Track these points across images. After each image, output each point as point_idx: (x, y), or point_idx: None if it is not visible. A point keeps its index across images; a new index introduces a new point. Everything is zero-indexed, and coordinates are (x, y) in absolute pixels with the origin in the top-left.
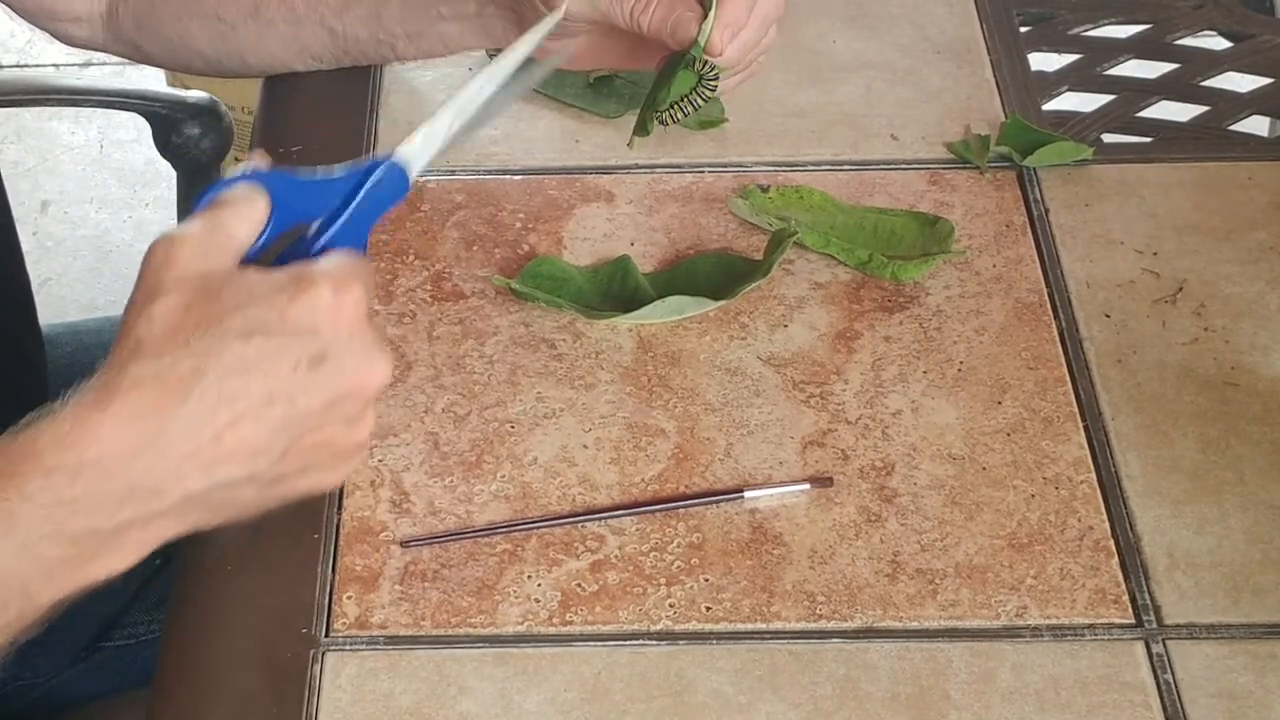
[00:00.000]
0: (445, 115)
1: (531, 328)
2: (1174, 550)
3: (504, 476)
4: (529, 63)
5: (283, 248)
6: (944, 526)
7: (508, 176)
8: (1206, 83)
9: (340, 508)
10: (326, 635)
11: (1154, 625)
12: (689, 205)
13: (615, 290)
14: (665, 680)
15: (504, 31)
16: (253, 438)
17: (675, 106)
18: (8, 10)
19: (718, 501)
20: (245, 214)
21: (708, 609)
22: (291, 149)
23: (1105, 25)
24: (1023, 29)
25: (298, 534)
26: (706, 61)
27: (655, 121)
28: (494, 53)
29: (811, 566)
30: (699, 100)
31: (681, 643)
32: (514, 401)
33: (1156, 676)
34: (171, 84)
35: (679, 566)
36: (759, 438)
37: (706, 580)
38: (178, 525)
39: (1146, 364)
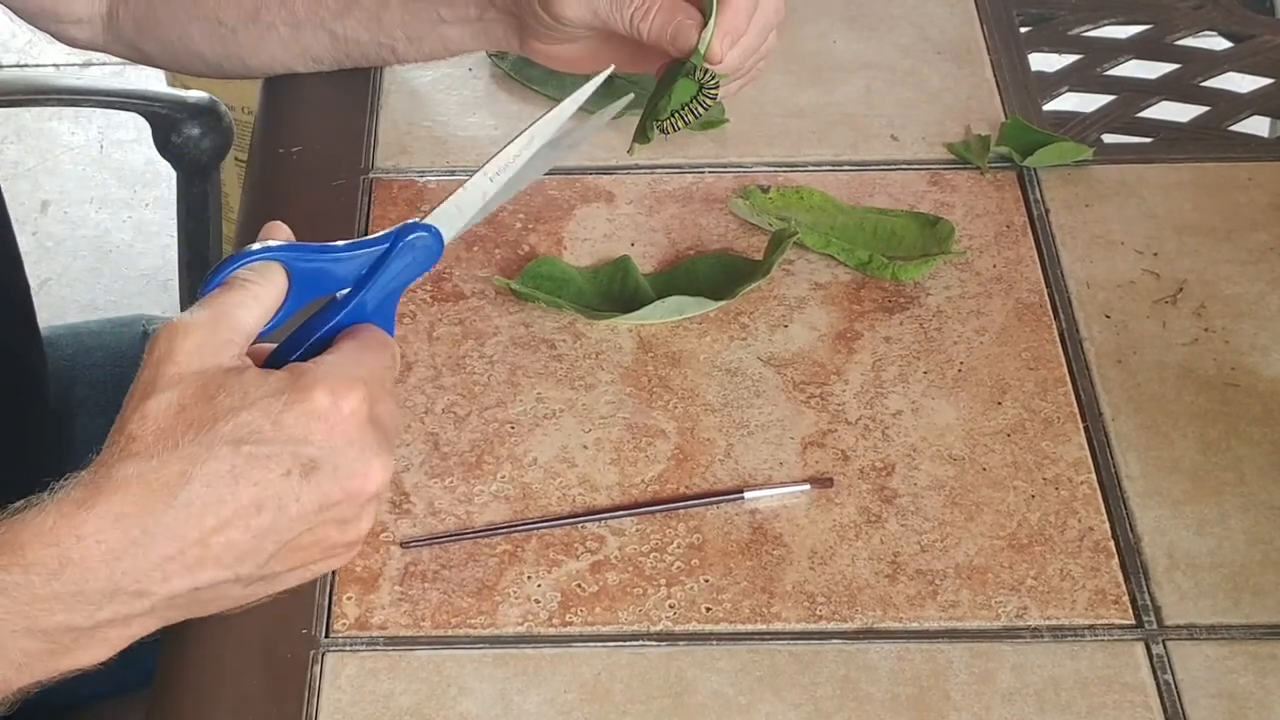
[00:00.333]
0: (479, 180)
1: (531, 328)
2: (1174, 551)
3: (504, 477)
4: (567, 126)
5: (310, 314)
6: (944, 527)
7: None
8: (1206, 83)
9: None
10: (326, 636)
11: (1154, 626)
12: (689, 206)
13: (615, 291)
14: (665, 681)
15: (504, 35)
16: (239, 543)
17: (676, 115)
18: (8, 12)
19: (718, 502)
20: (256, 296)
21: (708, 610)
22: (291, 149)
23: (1105, 25)
24: (1023, 29)
25: None
26: (707, 70)
27: (656, 130)
28: (494, 54)
29: (811, 567)
30: (699, 109)
31: (681, 643)
32: (514, 402)
33: (1156, 677)
34: (171, 84)
35: (679, 567)
36: (759, 438)
37: (706, 581)
38: (158, 622)
39: (1146, 364)
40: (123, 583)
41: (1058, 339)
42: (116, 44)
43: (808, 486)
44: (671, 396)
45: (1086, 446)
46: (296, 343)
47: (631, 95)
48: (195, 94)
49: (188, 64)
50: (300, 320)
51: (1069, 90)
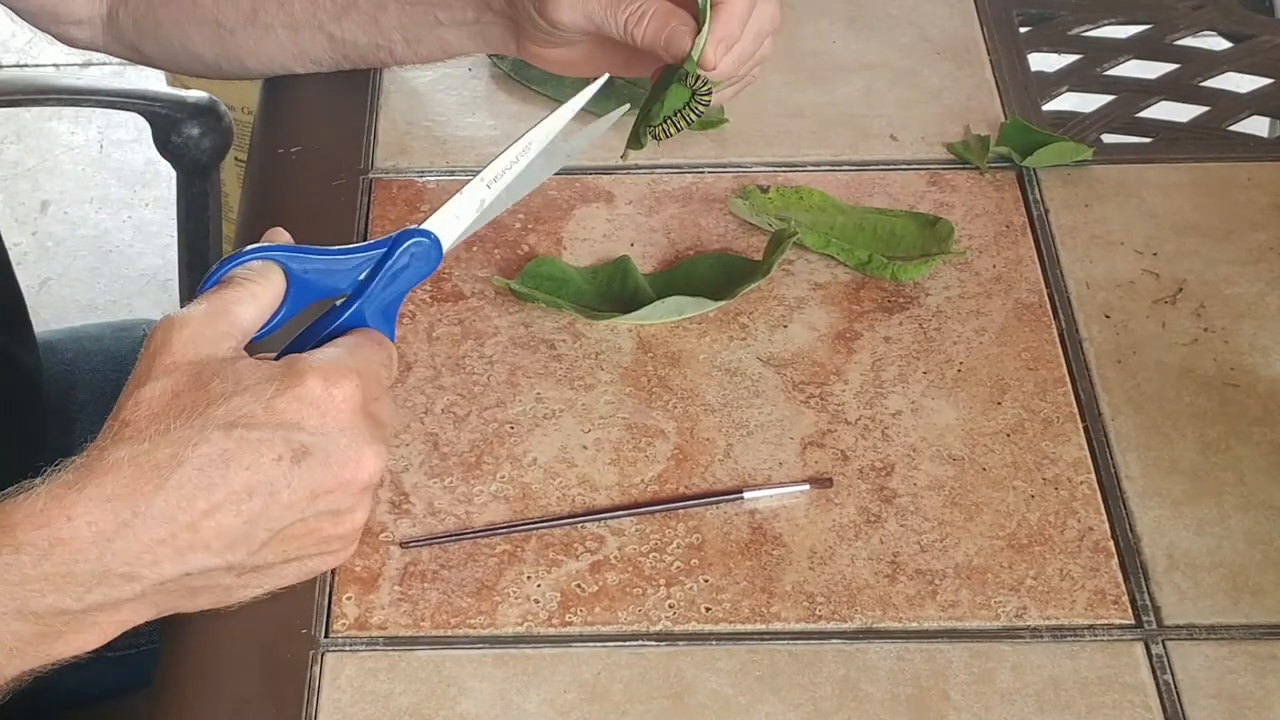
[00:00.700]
0: (476, 186)
1: (531, 328)
2: (1174, 551)
3: (503, 477)
4: (567, 132)
5: (311, 320)
6: (944, 527)
7: None
8: (1206, 83)
9: None
10: (326, 636)
11: (1154, 626)
12: (689, 206)
13: (615, 291)
14: (665, 681)
15: (501, 38)
16: (230, 528)
17: (669, 121)
18: (9, 12)
19: (717, 502)
20: (254, 294)
21: (707, 610)
22: (291, 149)
23: (1105, 25)
24: (1023, 29)
25: None
26: (700, 77)
27: (649, 136)
28: (494, 56)
29: (811, 567)
30: (692, 115)
31: (681, 643)
32: (514, 402)
33: (1156, 677)
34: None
35: (678, 567)
36: (759, 438)
37: (706, 581)
38: (151, 610)
39: (1146, 364)
40: (112, 565)
41: (1057, 339)
42: (116, 44)
43: (807, 486)
44: (671, 396)
45: (1086, 446)
46: (295, 349)
47: (628, 105)
48: (195, 94)
49: (187, 65)
50: (299, 328)
51: (1069, 90)
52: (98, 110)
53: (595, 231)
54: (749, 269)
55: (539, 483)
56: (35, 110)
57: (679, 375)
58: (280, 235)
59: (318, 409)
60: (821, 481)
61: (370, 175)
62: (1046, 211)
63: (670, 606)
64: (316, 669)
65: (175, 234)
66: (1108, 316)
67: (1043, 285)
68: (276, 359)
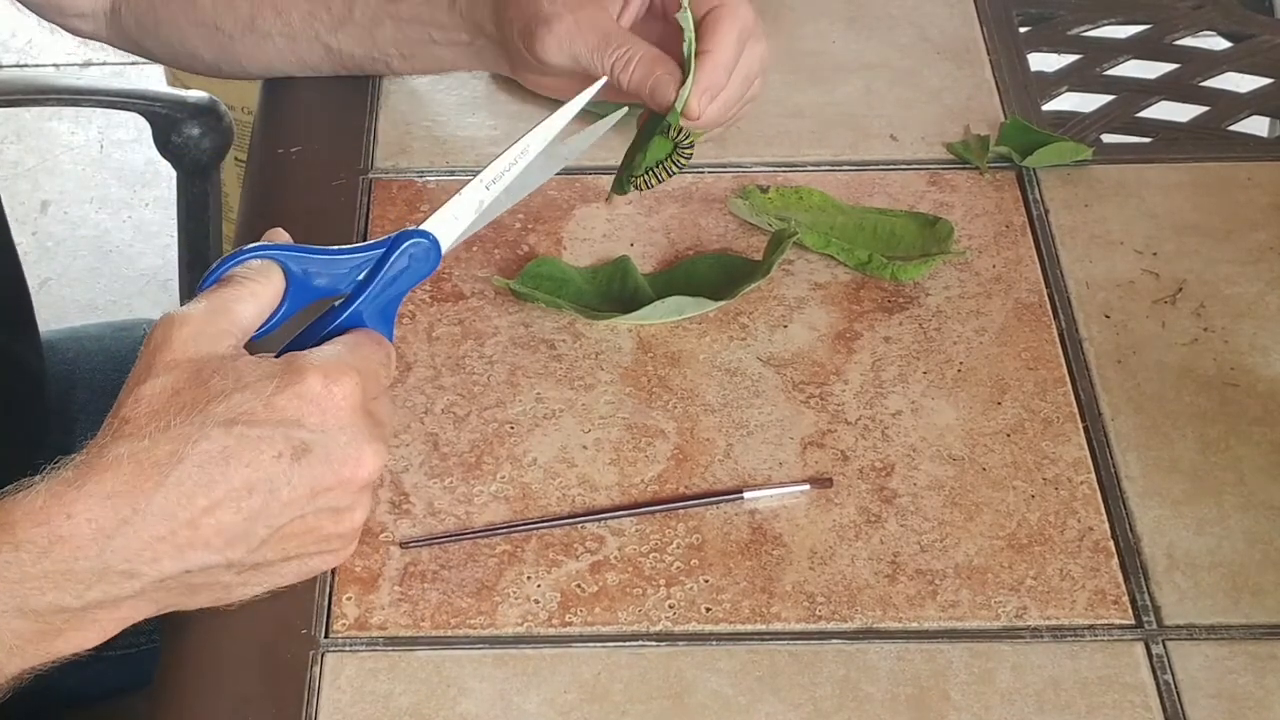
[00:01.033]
0: (474, 187)
1: (531, 328)
2: (1174, 551)
3: (503, 477)
4: (566, 133)
5: (310, 320)
6: (944, 527)
7: None
8: (1206, 83)
9: None
10: (326, 636)
11: (1154, 626)
12: (688, 206)
13: (615, 291)
14: (665, 681)
15: (495, 59)
16: (229, 525)
17: (650, 173)
18: (14, 4)
19: (717, 502)
20: (254, 293)
21: (707, 610)
22: (291, 149)
23: (1105, 25)
24: (1023, 29)
25: None
26: (682, 129)
27: (630, 185)
28: None
29: (811, 567)
30: (673, 168)
31: (681, 644)
32: (513, 402)
33: (1156, 677)
34: (172, 84)
35: (679, 567)
36: (759, 438)
37: (706, 581)
38: (151, 607)
39: (1146, 364)
40: (112, 562)
41: (1057, 339)
42: (119, 39)
43: (807, 486)
44: (671, 396)
45: (1086, 446)
46: (295, 348)
47: (628, 107)
48: (195, 94)
49: (187, 63)
50: (298, 327)
51: (1068, 90)
52: (98, 110)
53: (595, 231)
54: (749, 269)
55: (539, 483)
56: (35, 110)
57: (679, 375)
58: (280, 235)
59: (318, 406)
60: (821, 481)
61: (370, 175)
62: (1046, 211)
63: (670, 607)
64: (316, 669)
65: (175, 234)
66: (1108, 316)
67: (1043, 285)
68: (276, 357)
